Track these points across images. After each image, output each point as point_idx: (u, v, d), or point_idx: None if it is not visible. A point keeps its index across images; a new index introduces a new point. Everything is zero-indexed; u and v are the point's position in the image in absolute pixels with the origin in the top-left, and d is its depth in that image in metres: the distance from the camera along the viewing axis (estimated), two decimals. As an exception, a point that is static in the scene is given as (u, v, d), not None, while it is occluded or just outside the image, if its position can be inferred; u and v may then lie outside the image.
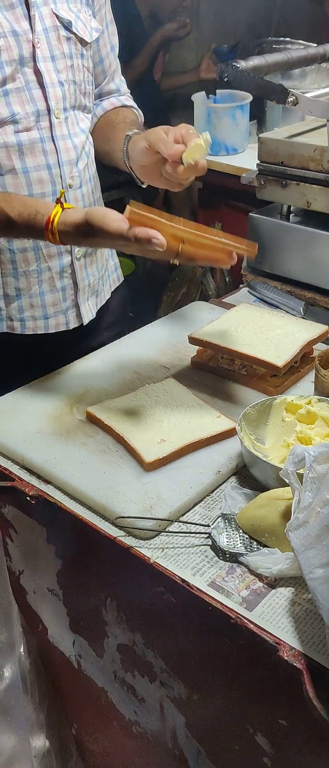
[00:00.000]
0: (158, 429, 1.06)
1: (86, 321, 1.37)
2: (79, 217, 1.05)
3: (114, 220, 1.01)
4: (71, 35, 1.27)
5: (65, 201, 1.12)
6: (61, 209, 1.07)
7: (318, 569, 0.73)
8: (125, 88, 1.49)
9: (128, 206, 1.01)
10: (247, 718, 0.88)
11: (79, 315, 1.35)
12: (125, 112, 1.42)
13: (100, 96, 1.45)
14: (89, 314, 1.37)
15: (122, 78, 1.49)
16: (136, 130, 1.29)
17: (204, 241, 1.03)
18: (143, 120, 1.46)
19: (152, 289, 3.51)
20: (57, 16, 1.25)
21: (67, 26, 1.26)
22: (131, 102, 1.48)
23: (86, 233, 1.04)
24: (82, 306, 1.35)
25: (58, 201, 1.08)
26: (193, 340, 1.26)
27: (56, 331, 1.32)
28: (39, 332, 1.31)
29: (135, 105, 1.48)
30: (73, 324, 1.34)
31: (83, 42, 1.30)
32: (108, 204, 1.17)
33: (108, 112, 1.43)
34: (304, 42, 1.91)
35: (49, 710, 1.17)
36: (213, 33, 3.95)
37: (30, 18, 1.21)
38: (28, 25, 1.21)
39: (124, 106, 1.45)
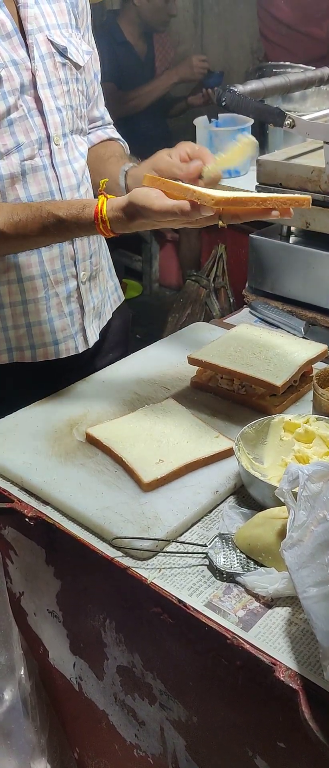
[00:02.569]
0: (157, 449, 1.07)
1: (91, 343, 1.38)
2: (123, 201, 1.07)
3: (157, 197, 1.04)
4: (66, 61, 1.29)
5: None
6: (106, 199, 1.09)
7: (312, 588, 0.72)
8: (108, 117, 1.50)
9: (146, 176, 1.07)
10: (246, 741, 0.87)
11: (86, 338, 1.37)
12: (113, 146, 1.43)
13: (87, 120, 1.45)
14: (93, 336, 1.39)
15: (105, 107, 1.51)
16: (130, 164, 1.31)
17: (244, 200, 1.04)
18: (128, 151, 1.49)
19: (158, 310, 3.54)
20: (52, 43, 1.26)
21: (62, 52, 1.28)
22: (116, 134, 1.49)
23: (133, 215, 1.06)
24: (87, 329, 1.37)
25: (100, 193, 1.10)
26: (192, 361, 1.27)
27: (67, 356, 1.34)
28: (50, 358, 1.32)
29: (120, 137, 1.50)
30: (82, 348, 1.36)
31: (77, 66, 1.32)
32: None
33: (96, 146, 1.44)
34: (304, 66, 1.93)
35: (51, 734, 1.17)
36: (217, 58, 4.00)
37: (27, 46, 1.23)
38: (26, 54, 1.23)
39: (111, 138, 1.47)
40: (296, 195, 1.08)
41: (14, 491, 1.05)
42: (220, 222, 1.06)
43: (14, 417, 1.19)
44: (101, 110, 1.48)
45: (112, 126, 1.51)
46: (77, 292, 1.33)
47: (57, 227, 1.13)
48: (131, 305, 3.98)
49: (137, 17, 3.55)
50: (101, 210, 1.08)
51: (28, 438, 1.13)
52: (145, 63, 3.70)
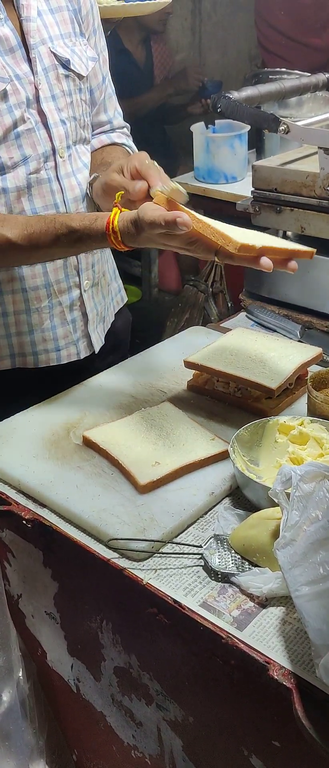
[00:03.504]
0: (153, 452, 1.08)
1: (97, 349, 1.40)
2: (134, 214, 1.06)
3: (148, 208, 1.03)
4: (70, 72, 1.29)
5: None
6: (119, 211, 1.09)
7: (304, 587, 0.73)
8: (119, 120, 1.46)
9: (156, 191, 1.04)
10: (241, 740, 0.88)
11: (90, 344, 1.38)
12: (110, 152, 1.40)
13: (91, 128, 1.43)
14: (98, 342, 1.41)
15: (118, 109, 1.47)
16: (95, 175, 1.29)
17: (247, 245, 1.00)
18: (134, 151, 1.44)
19: (157, 315, 3.54)
20: (55, 55, 1.27)
21: (65, 64, 1.28)
22: (123, 139, 1.45)
23: (139, 229, 1.05)
24: (92, 335, 1.39)
25: (115, 205, 1.10)
26: (188, 364, 1.28)
27: (68, 362, 1.36)
28: (52, 364, 1.34)
29: (128, 141, 1.46)
30: (84, 353, 1.38)
31: (80, 76, 1.31)
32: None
33: (95, 152, 1.42)
34: (299, 72, 1.95)
35: (49, 735, 1.17)
36: (215, 65, 4.03)
37: (30, 60, 1.24)
38: (29, 68, 1.23)
39: (113, 143, 1.43)
40: (305, 248, 1.10)
41: (12, 494, 1.06)
42: (216, 258, 1.05)
43: (12, 421, 1.21)
44: (110, 114, 1.44)
45: (121, 131, 1.46)
46: (80, 300, 1.35)
47: (69, 238, 1.13)
48: (130, 310, 4.00)
49: (135, 23, 3.57)
50: (112, 221, 1.08)
51: (25, 441, 1.14)
52: (144, 71, 3.72)
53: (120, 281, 1.55)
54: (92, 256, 1.36)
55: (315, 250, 1.10)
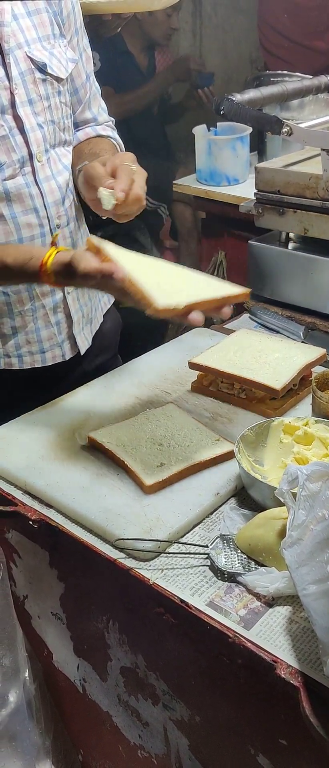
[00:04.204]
0: (158, 453, 1.08)
1: (82, 351, 1.40)
2: (66, 257, 1.07)
3: (83, 259, 1.03)
4: (47, 76, 1.28)
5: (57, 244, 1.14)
6: (55, 251, 1.09)
7: (312, 585, 0.74)
8: (104, 116, 1.46)
9: (88, 239, 1.04)
10: (248, 739, 0.88)
11: (74, 345, 1.39)
12: (97, 143, 1.39)
13: (75, 125, 1.42)
14: (85, 343, 1.41)
15: (103, 105, 1.47)
16: (84, 163, 1.28)
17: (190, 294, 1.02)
18: (122, 149, 1.44)
19: (160, 319, 3.55)
20: (31, 59, 1.25)
21: (41, 68, 1.26)
22: (108, 132, 1.45)
23: (71, 274, 1.06)
24: (77, 337, 1.39)
25: (52, 243, 1.11)
26: (193, 365, 1.29)
27: (53, 363, 1.36)
28: (36, 366, 1.34)
29: (113, 134, 1.46)
30: (69, 354, 1.38)
31: (58, 80, 1.30)
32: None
33: (81, 143, 1.41)
34: (301, 74, 1.96)
35: (55, 736, 1.18)
36: (216, 68, 4.04)
37: (5, 65, 1.22)
38: (4, 72, 1.22)
39: (99, 136, 1.43)
40: (237, 292, 1.09)
41: (18, 495, 1.06)
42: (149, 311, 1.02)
43: (17, 422, 1.21)
44: (94, 111, 1.44)
45: (106, 125, 1.46)
46: (64, 302, 1.35)
47: (4, 273, 1.14)
48: (132, 313, 3.99)
49: (140, 30, 3.59)
50: (45, 263, 1.08)
51: (31, 443, 1.15)
52: (146, 75, 3.74)
53: None
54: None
55: (249, 291, 1.10)
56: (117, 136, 1.46)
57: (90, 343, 1.42)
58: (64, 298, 1.35)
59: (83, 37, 1.39)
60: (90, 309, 1.43)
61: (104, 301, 1.52)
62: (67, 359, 1.38)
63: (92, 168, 1.20)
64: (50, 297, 1.33)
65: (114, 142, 1.44)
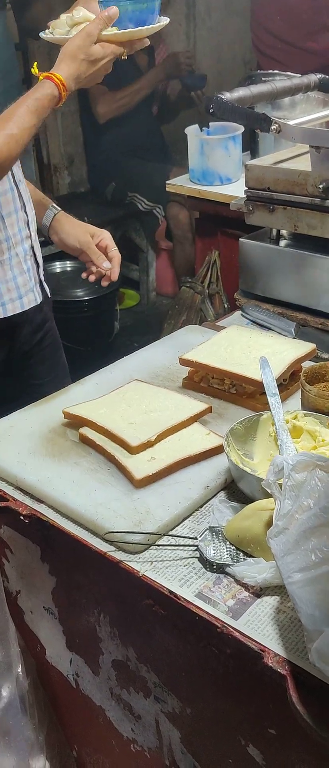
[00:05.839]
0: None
1: (49, 293, 1.56)
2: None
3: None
4: None
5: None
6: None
7: (297, 573, 0.75)
8: None
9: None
10: (238, 729, 0.89)
11: (43, 289, 1.53)
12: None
13: None
14: (47, 286, 1.56)
15: None
16: (59, 209, 1.49)
17: None
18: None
19: (156, 319, 3.56)
20: None
21: None
22: None
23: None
24: (44, 282, 1.54)
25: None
26: (183, 362, 1.30)
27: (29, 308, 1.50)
28: (17, 312, 1.47)
29: None
30: (39, 298, 1.52)
31: None
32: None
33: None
34: (291, 73, 1.97)
35: (49, 731, 1.18)
36: (210, 70, 4.05)
37: None
38: None
39: None
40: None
41: (9, 490, 1.07)
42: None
43: (9, 419, 1.22)
44: None
45: None
46: (32, 250, 1.49)
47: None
48: (128, 314, 4.03)
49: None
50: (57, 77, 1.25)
51: (22, 438, 1.15)
52: (145, 73, 3.75)
53: None
54: (32, 210, 1.50)
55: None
56: None
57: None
58: (32, 245, 1.49)
59: None
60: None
61: None
62: (38, 303, 1.51)
63: (85, 239, 1.47)
64: (21, 245, 1.46)
65: None
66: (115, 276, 1.44)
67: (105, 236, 1.47)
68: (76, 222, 1.52)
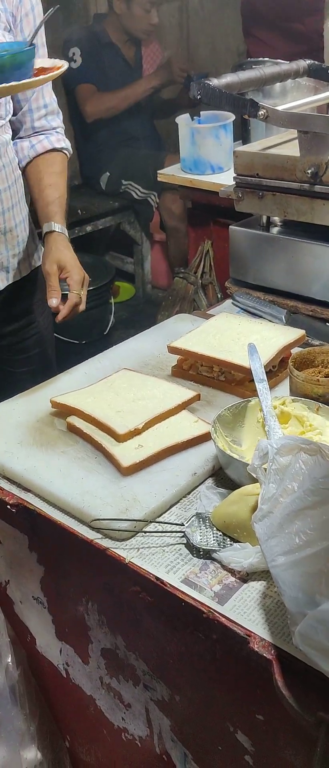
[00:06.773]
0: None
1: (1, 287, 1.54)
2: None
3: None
4: None
5: None
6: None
7: (280, 557, 0.74)
8: (53, 107, 1.58)
9: None
10: (227, 716, 0.89)
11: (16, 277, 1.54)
12: (53, 163, 1.55)
13: (30, 110, 1.53)
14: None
15: (54, 96, 1.59)
16: (58, 228, 1.47)
17: None
18: (71, 152, 1.62)
19: (151, 311, 3.56)
20: None
21: None
22: (61, 143, 1.58)
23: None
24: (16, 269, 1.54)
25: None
26: (172, 350, 1.29)
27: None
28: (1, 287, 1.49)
29: (66, 144, 1.60)
30: (1, 285, 1.52)
31: None
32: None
33: (38, 158, 1.55)
34: (280, 60, 1.96)
35: (41, 721, 1.18)
36: (204, 61, 4.03)
37: None
38: None
39: (54, 149, 1.56)
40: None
41: (-4, 480, 1.07)
42: None
43: (-4, 409, 1.22)
44: (47, 99, 1.56)
45: (58, 129, 1.59)
46: (4, 236, 1.48)
47: None
48: (124, 307, 4.02)
49: (120, 24, 3.59)
50: None
51: (10, 428, 1.15)
52: (134, 67, 3.73)
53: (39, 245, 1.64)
54: (2, 204, 1.48)
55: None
56: (68, 145, 1.62)
57: (2, 287, 1.55)
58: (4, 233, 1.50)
59: (41, 35, 1.50)
60: (6, 258, 1.54)
61: (34, 260, 1.62)
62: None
63: (48, 276, 1.42)
64: None
65: (67, 153, 1.60)
66: (58, 317, 1.39)
67: (73, 277, 1.43)
68: (55, 247, 1.46)
